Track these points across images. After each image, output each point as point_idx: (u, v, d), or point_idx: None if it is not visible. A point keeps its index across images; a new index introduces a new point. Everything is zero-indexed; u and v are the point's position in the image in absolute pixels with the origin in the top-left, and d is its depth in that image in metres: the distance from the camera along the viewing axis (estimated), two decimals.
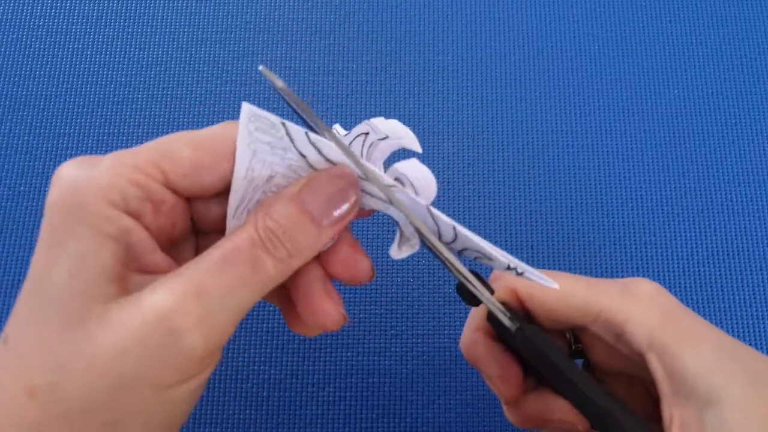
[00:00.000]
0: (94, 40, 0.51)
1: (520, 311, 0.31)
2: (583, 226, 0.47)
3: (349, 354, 0.43)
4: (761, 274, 0.45)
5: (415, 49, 0.51)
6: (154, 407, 0.22)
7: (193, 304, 0.22)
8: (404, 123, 0.26)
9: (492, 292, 0.28)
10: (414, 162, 0.25)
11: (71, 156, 0.47)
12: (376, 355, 0.43)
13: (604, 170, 0.48)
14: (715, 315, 0.45)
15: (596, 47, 0.51)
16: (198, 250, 0.27)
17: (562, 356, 0.28)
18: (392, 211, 0.26)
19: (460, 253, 0.27)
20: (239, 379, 0.43)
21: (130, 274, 0.23)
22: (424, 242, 0.27)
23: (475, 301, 0.28)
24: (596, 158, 0.48)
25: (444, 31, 0.52)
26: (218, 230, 0.26)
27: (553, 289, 0.28)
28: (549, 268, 0.44)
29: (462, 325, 0.44)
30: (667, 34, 0.52)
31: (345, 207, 0.24)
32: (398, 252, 0.27)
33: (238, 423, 0.42)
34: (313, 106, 0.49)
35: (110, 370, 0.21)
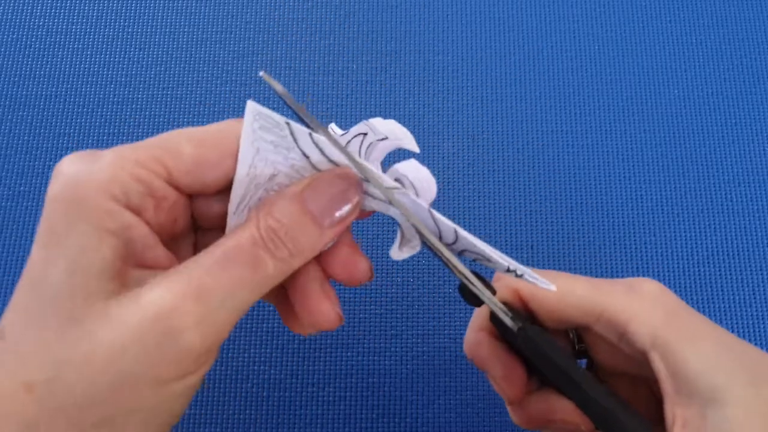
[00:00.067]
0: (94, 40, 0.51)
1: (523, 311, 0.31)
2: (583, 226, 0.47)
3: (349, 354, 0.43)
4: (761, 274, 0.45)
5: (415, 49, 0.51)
6: (151, 403, 0.22)
7: (192, 303, 0.22)
8: (404, 123, 0.26)
9: (494, 292, 0.28)
10: (414, 163, 0.25)
11: None
12: (376, 355, 0.43)
13: (604, 170, 0.48)
14: (715, 315, 0.45)
15: (596, 47, 0.51)
16: (197, 247, 0.27)
17: (564, 356, 0.28)
18: (393, 212, 0.26)
19: (460, 254, 0.27)
20: (239, 379, 0.43)
21: (131, 269, 0.23)
22: (425, 243, 0.27)
23: (477, 302, 0.28)
24: (596, 158, 0.48)
25: (444, 31, 0.52)
26: (218, 227, 0.26)
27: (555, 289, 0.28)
28: (549, 268, 0.44)
29: (462, 325, 0.44)
30: (667, 34, 0.52)
31: (347, 208, 0.24)
32: (399, 253, 0.27)
33: (238, 423, 0.42)
34: (314, 107, 0.49)
35: (110, 367, 0.21)
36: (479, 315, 0.32)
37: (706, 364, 0.25)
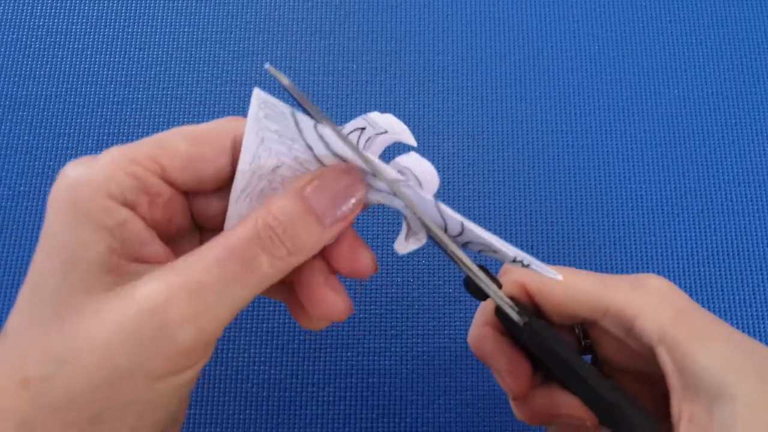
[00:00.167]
0: (94, 40, 0.51)
1: (529, 306, 0.31)
2: (583, 226, 0.47)
3: (349, 354, 0.43)
4: (761, 274, 0.46)
5: (415, 49, 0.51)
6: (147, 397, 0.22)
7: (187, 299, 0.22)
8: (404, 123, 0.26)
9: (500, 286, 0.28)
10: (416, 156, 0.25)
11: (71, 156, 0.48)
12: (376, 355, 0.43)
13: (604, 170, 0.48)
14: (715, 315, 0.44)
15: (596, 47, 0.52)
16: None
17: (570, 351, 0.28)
18: (397, 203, 0.26)
19: (464, 246, 0.27)
20: (239, 379, 0.43)
21: (128, 264, 0.23)
22: (430, 236, 0.27)
23: (482, 296, 0.28)
24: (596, 158, 0.48)
25: (444, 31, 0.52)
26: (219, 228, 0.26)
27: (562, 284, 0.28)
28: None
29: (462, 325, 0.44)
30: (667, 34, 0.52)
31: (350, 205, 0.24)
32: (404, 246, 0.27)
33: (238, 423, 0.42)
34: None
35: (105, 362, 0.21)
36: (484, 309, 0.32)
37: (714, 360, 0.25)
